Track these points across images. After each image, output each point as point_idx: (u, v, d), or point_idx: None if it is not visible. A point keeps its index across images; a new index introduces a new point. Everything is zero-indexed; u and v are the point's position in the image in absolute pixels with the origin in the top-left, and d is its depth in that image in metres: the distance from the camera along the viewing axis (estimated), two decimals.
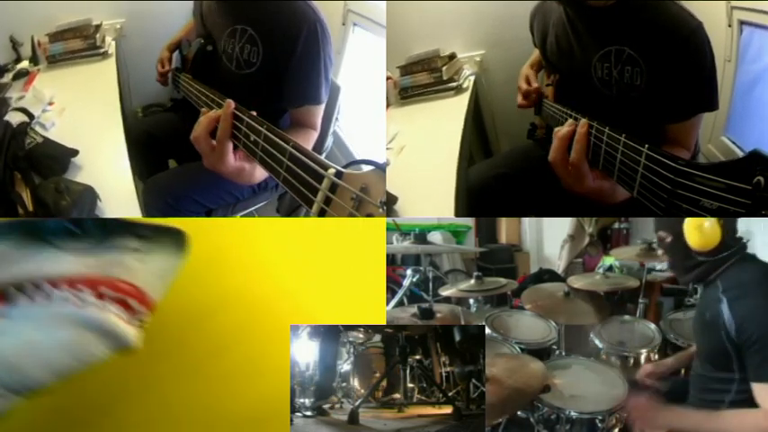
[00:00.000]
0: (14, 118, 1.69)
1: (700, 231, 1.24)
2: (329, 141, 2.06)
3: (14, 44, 2.20)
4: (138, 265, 0.81)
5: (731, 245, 1.26)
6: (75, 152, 1.60)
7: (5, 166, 1.50)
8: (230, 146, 1.31)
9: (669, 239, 1.33)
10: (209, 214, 1.84)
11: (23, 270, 0.78)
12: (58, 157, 1.57)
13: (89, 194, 1.47)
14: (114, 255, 0.80)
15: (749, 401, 1.15)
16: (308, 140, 1.69)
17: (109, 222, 0.83)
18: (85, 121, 1.78)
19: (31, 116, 1.72)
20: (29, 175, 1.50)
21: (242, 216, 1.94)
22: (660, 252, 1.42)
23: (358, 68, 2.28)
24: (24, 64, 2.16)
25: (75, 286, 0.78)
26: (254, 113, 1.26)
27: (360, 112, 2.18)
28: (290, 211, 2.04)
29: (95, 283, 0.79)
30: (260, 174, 1.40)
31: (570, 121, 1.24)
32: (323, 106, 1.72)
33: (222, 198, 1.84)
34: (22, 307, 0.77)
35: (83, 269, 0.79)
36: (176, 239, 0.85)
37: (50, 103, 1.85)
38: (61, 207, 1.41)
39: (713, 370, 1.26)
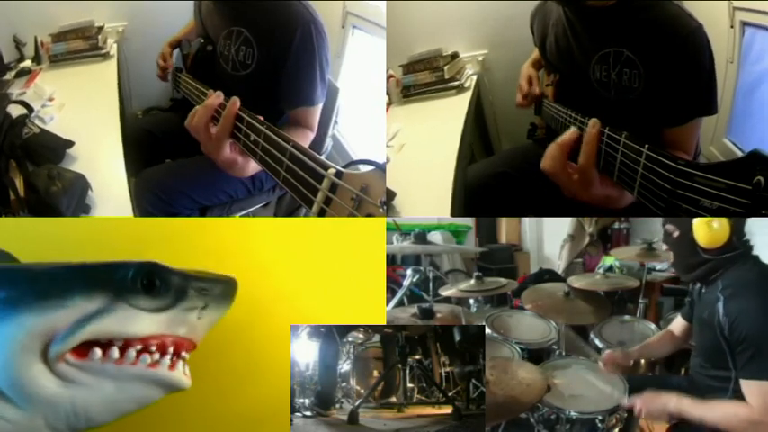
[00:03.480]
0: (14, 110, 1.71)
1: (709, 228, 1.25)
2: (328, 144, 2.06)
3: (18, 44, 2.21)
4: (197, 323, 0.88)
5: (737, 246, 1.26)
6: (70, 143, 1.62)
7: (1, 153, 1.53)
8: (227, 142, 1.33)
9: (676, 234, 1.33)
10: (203, 213, 1.83)
11: (104, 331, 0.80)
12: (53, 148, 1.60)
13: (80, 182, 1.49)
14: (181, 314, 0.86)
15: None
16: (304, 141, 1.69)
17: (179, 280, 0.86)
18: (84, 117, 1.80)
19: (30, 109, 1.74)
20: (23, 163, 1.53)
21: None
22: (664, 248, 1.41)
23: (358, 71, 2.28)
24: (27, 63, 2.17)
25: (148, 346, 0.83)
26: (261, 118, 1.26)
27: (359, 114, 2.17)
28: (287, 214, 2.04)
29: (163, 343, 0.84)
30: (251, 169, 1.43)
31: (573, 129, 1.17)
32: (320, 107, 1.71)
33: (216, 197, 1.83)
34: (104, 364, 0.80)
35: (155, 330, 0.84)
36: (228, 289, 0.92)
37: (50, 99, 1.87)
38: (52, 193, 1.43)
39: (711, 368, 1.27)
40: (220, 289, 0.90)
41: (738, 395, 1.18)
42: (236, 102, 1.30)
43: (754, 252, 1.32)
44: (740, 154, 1.75)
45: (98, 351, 0.79)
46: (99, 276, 0.82)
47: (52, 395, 0.77)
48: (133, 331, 0.82)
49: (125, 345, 0.82)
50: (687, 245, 1.30)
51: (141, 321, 0.82)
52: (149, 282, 0.83)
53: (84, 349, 0.79)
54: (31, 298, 0.77)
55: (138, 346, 0.82)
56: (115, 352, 0.81)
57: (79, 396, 0.79)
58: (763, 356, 1.13)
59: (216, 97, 1.37)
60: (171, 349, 0.85)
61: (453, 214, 1.63)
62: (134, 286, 0.82)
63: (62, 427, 0.80)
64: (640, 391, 1.35)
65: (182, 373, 0.87)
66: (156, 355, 0.84)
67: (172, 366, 0.85)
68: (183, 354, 0.88)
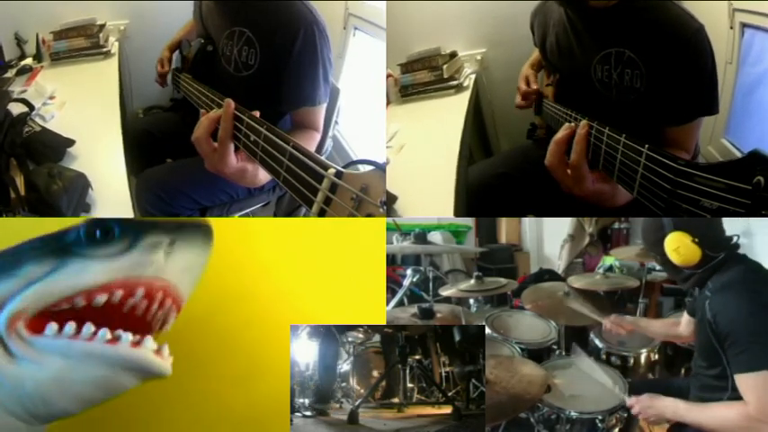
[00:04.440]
0: (15, 108, 1.71)
1: (677, 253, 1.28)
2: (328, 145, 2.06)
3: (19, 41, 2.22)
4: (166, 261, 0.81)
5: (714, 255, 1.27)
6: (71, 142, 1.62)
7: (2, 151, 1.52)
8: (231, 147, 1.29)
9: (659, 258, 1.36)
10: (203, 213, 1.83)
11: (57, 288, 0.77)
12: (54, 146, 1.60)
13: (81, 181, 1.49)
14: (144, 254, 0.80)
15: None
16: (310, 142, 1.68)
17: (135, 223, 0.82)
18: (85, 115, 1.80)
19: (31, 107, 1.74)
20: (24, 162, 1.53)
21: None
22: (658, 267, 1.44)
23: (359, 72, 2.27)
24: (28, 61, 2.18)
25: (112, 292, 0.77)
26: (257, 113, 1.25)
27: (360, 115, 2.17)
28: (287, 214, 2.04)
29: (129, 287, 0.78)
30: (264, 175, 1.35)
31: (567, 125, 1.24)
32: (323, 107, 1.71)
33: (217, 196, 1.83)
34: (55, 339, 0.76)
35: (115, 275, 0.78)
36: (202, 232, 0.85)
37: (51, 98, 1.88)
38: (52, 191, 1.43)
39: (708, 368, 1.27)
40: (188, 228, 0.83)
41: (737, 393, 1.18)
42: (230, 104, 1.28)
43: (752, 251, 1.32)
44: (738, 154, 1.76)
45: (54, 326, 0.76)
46: (50, 242, 0.79)
47: None
48: (88, 280, 0.77)
49: (88, 301, 0.77)
50: (671, 266, 1.32)
51: (98, 269, 0.77)
52: (103, 232, 0.78)
53: (40, 326, 0.76)
54: None
55: (103, 297, 0.76)
56: (70, 327, 0.76)
57: (27, 373, 0.75)
58: (751, 348, 1.13)
59: (215, 112, 1.32)
60: (140, 292, 0.78)
61: (457, 214, 1.63)
62: (88, 241, 0.78)
63: (20, 412, 0.76)
64: (641, 394, 1.35)
65: (149, 352, 0.78)
66: (120, 332, 0.77)
67: (137, 344, 0.77)
68: (162, 298, 0.80)
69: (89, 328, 0.76)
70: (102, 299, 0.77)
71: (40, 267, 0.77)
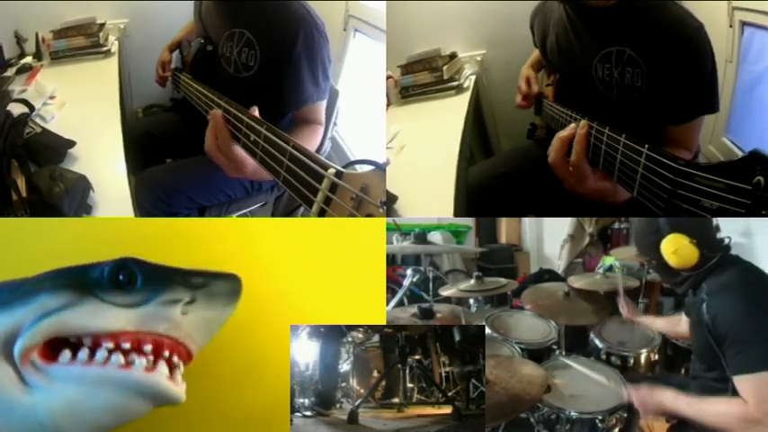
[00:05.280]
0: (15, 109, 1.71)
1: (676, 255, 1.28)
2: (327, 146, 2.06)
3: (19, 40, 2.23)
4: (182, 318, 0.81)
5: (712, 256, 1.27)
6: (72, 143, 1.62)
7: (3, 152, 1.53)
8: (241, 151, 1.33)
9: (654, 263, 1.36)
10: (201, 213, 1.84)
11: (68, 325, 0.76)
12: (54, 147, 1.60)
13: (82, 183, 1.50)
14: (160, 309, 0.79)
15: None
16: (314, 136, 1.69)
17: (162, 273, 0.81)
18: (85, 115, 1.80)
19: (31, 108, 1.75)
20: (25, 163, 1.53)
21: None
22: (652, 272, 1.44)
23: (359, 74, 2.28)
24: (28, 59, 2.18)
25: (119, 343, 0.76)
26: (257, 110, 1.26)
27: (359, 117, 2.17)
28: (285, 214, 2.04)
29: (137, 340, 0.78)
30: None
31: (573, 125, 1.24)
32: (324, 102, 1.72)
33: (215, 197, 1.84)
34: (69, 366, 0.75)
35: (126, 325, 0.77)
36: (229, 287, 0.85)
37: (51, 97, 1.88)
38: (54, 193, 1.44)
39: (708, 370, 1.27)
40: (214, 284, 0.83)
41: (737, 395, 1.18)
42: (215, 114, 1.31)
43: (752, 250, 1.32)
44: (739, 152, 1.76)
45: (67, 353, 0.75)
46: (70, 275, 0.79)
47: (12, 400, 0.73)
48: (101, 325, 0.76)
49: (95, 344, 0.76)
50: (666, 269, 1.32)
51: (111, 316, 0.77)
52: (128, 278, 0.79)
53: (53, 353, 0.75)
54: (6, 303, 0.76)
55: (110, 344, 0.76)
56: (84, 353, 0.75)
57: (40, 402, 0.74)
58: (748, 349, 1.13)
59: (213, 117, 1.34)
60: (148, 347, 0.77)
61: (457, 214, 1.63)
62: (110, 283, 0.78)
63: None
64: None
65: (163, 377, 0.78)
66: (134, 357, 0.76)
67: (151, 369, 0.77)
68: (169, 355, 0.80)
69: (103, 353, 0.76)
70: (109, 345, 0.77)
71: (55, 299, 0.76)
